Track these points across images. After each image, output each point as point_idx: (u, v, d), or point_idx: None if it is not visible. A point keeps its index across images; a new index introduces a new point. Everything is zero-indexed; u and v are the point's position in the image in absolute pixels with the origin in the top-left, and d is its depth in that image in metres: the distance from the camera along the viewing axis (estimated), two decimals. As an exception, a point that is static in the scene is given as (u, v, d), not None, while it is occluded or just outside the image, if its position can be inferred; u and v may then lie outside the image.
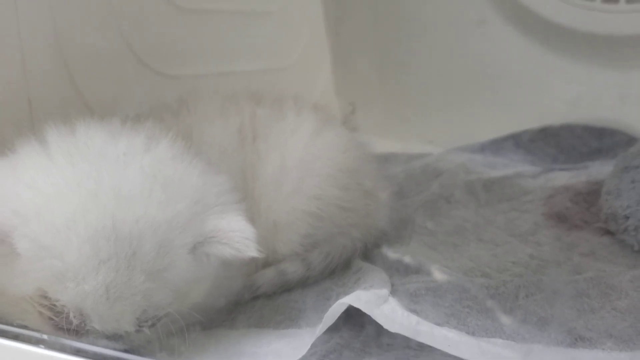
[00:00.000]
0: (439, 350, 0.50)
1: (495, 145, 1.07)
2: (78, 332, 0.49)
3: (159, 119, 0.66)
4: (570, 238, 0.73)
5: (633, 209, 0.68)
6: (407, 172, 0.97)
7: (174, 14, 0.94)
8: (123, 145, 0.53)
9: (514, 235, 0.75)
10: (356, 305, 0.52)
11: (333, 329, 0.55)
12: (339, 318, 0.55)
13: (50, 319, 0.49)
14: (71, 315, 0.48)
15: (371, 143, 1.10)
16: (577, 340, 0.52)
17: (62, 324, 0.49)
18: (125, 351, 0.50)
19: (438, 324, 0.53)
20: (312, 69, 1.31)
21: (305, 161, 0.68)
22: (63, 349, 0.47)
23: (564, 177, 0.92)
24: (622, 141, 1.05)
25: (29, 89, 0.72)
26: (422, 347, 0.52)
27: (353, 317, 0.55)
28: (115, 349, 0.50)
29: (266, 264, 0.66)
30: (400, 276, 0.64)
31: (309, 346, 0.51)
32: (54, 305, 0.49)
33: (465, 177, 0.91)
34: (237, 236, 0.52)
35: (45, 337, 0.49)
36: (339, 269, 0.68)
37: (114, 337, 0.50)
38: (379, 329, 0.53)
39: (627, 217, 0.68)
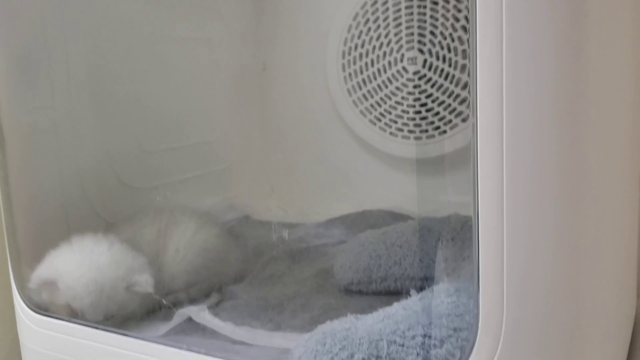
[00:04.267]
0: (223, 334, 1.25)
1: (329, 223, 1.61)
2: (81, 317, 1.31)
3: (124, 226, 1.49)
4: (309, 283, 1.49)
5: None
6: (276, 240, 1.74)
7: (143, 154, 1.77)
8: (99, 247, 1.34)
9: (294, 279, 1.52)
10: (187, 313, 1.32)
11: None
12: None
13: (70, 312, 1.31)
14: (78, 311, 1.30)
15: (268, 215, 1.91)
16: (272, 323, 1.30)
17: (75, 314, 1.31)
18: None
19: (222, 320, 1.32)
20: (242, 166, 2.13)
21: (187, 247, 1.47)
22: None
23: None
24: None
25: (65, 209, 1.55)
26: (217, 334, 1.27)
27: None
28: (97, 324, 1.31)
29: (169, 292, 1.47)
30: (227, 299, 1.43)
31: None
32: (72, 306, 1.30)
33: (294, 245, 1.68)
34: (143, 282, 1.33)
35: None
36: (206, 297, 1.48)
37: (98, 320, 1.32)
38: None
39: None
